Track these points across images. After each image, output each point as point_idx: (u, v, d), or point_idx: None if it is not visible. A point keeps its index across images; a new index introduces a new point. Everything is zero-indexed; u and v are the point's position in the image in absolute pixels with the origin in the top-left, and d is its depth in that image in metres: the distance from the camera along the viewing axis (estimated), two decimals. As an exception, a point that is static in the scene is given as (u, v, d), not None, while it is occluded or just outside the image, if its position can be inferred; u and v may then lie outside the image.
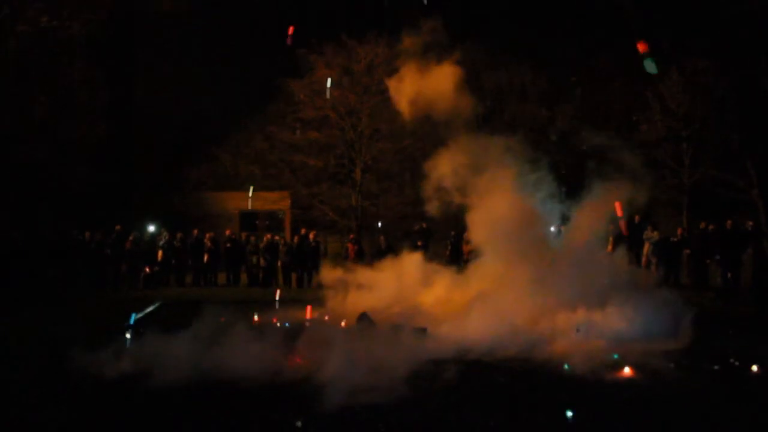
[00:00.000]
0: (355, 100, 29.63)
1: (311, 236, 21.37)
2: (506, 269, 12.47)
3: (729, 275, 17.39)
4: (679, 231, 19.67)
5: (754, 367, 8.67)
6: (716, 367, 8.78)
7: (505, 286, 11.92)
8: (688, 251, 18.85)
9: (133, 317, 9.90)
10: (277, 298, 15.41)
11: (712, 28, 13.10)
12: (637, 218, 19.16)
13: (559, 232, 14.09)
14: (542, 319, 11.10)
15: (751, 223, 18.00)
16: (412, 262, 15.45)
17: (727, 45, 13.32)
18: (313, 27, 30.88)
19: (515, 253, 12.49)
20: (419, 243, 20.94)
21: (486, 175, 13.21)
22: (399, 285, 14.43)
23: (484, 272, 13.32)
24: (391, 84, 15.72)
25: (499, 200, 12.94)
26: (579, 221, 12.64)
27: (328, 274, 15.50)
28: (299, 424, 5.99)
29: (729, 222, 17.98)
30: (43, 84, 22.41)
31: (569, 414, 6.55)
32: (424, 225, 23.08)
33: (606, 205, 12.44)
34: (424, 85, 14.55)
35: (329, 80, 27.67)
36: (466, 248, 19.20)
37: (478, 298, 12.00)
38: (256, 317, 13.21)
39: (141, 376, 7.99)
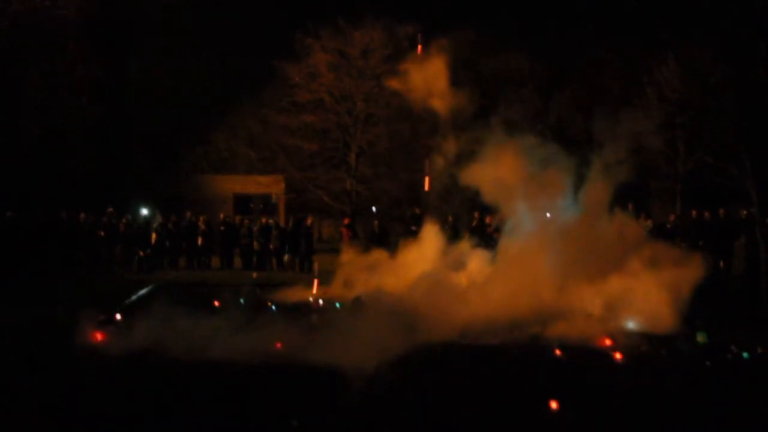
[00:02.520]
0: (351, 84, 29.54)
1: (309, 221, 21.32)
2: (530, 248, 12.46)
3: (721, 264, 17.42)
4: (672, 218, 19.68)
5: (745, 354, 8.73)
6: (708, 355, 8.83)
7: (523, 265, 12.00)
8: (683, 244, 18.81)
9: None
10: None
11: (711, 23, 13.08)
12: (631, 207, 19.11)
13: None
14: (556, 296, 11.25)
15: (745, 212, 18.03)
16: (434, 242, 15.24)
17: (724, 36, 13.29)
18: (309, 10, 30.76)
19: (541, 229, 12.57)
20: (413, 228, 20.92)
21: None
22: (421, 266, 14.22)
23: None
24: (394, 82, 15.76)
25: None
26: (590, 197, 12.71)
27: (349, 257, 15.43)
28: (295, 423, 5.97)
29: (722, 211, 17.97)
30: (37, 64, 22.21)
31: (554, 404, 6.55)
32: (417, 210, 23.07)
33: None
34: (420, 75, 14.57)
35: None
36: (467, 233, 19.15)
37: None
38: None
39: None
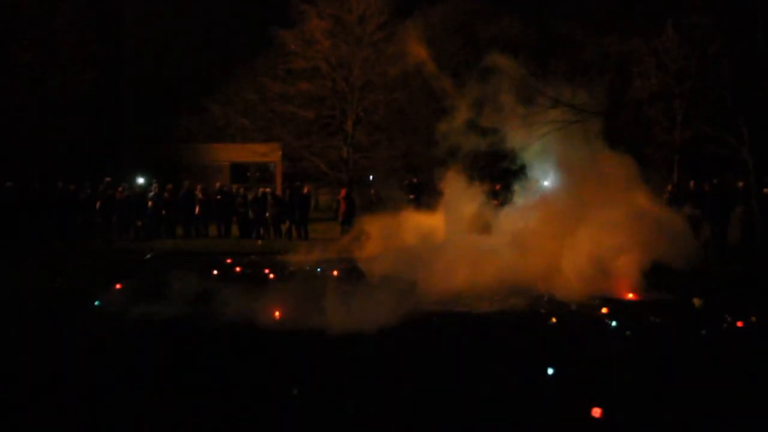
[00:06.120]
0: (347, 51, 29.28)
1: (305, 189, 21.34)
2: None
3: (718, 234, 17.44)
4: (668, 188, 19.67)
5: (739, 323, 8.81)
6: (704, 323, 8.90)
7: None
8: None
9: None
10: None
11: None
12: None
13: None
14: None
15: (741, 183, 18.04)
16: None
17: (722, 3, 13.14)
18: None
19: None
20: (411, 196, 20.96)
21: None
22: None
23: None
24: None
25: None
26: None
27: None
28: (295, 391, 6.02)
29: (716, 180, 17.97)
30: (29, 30, 21.90)
31: (550, 371, 6.61)
32: (415, 179, 23.09)
33: None
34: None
35: None
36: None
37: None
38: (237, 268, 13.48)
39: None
